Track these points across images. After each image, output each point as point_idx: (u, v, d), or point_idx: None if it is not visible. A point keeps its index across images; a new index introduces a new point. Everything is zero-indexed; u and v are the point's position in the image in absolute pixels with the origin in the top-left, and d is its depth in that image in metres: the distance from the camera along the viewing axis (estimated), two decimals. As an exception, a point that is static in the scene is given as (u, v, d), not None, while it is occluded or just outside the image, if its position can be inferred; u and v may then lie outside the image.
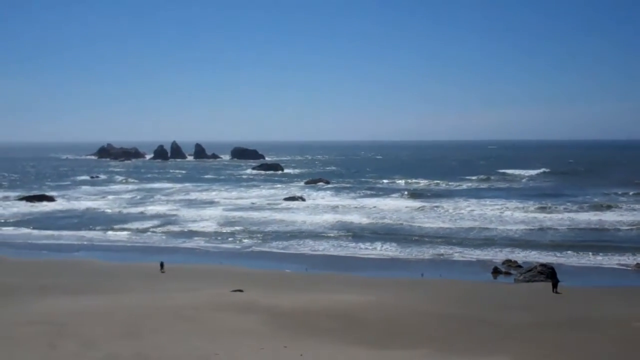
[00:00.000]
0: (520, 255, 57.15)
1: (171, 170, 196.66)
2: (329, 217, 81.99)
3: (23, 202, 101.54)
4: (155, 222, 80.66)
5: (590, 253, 57.23)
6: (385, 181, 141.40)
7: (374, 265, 55.43)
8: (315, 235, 69.56)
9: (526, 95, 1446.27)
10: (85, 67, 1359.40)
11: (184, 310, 33.85)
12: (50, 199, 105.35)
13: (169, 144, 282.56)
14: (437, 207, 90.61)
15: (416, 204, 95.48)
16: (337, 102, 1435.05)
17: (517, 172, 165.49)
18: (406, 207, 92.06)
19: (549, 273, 46.49)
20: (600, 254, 56.89)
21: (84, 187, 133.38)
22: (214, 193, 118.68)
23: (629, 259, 54.81)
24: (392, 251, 60.80)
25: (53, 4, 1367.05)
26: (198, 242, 67.36)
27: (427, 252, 59.53)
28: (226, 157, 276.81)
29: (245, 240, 67.72)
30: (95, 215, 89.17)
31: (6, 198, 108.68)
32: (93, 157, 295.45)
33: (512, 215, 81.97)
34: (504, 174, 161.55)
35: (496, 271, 51.49)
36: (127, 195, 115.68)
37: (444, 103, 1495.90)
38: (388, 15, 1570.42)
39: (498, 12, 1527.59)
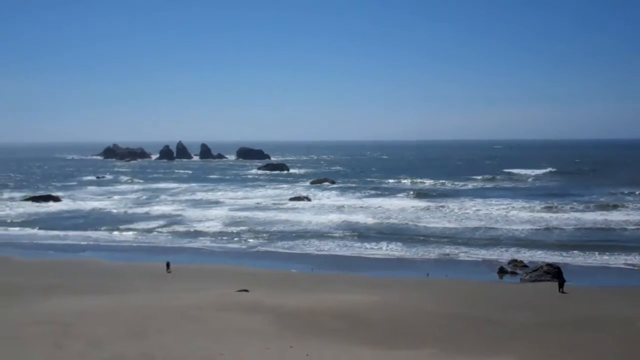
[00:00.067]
0: (526, 255, 57.04)
1: (177, 171, 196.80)
2: (335, 217, 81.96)
3: (29, 203, 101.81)
4: (161, 222, 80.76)
5: (596, 253, 57.09)
6: (390, 181, 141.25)
7: (379, 265, 55.38)
8: (321, 235, 69.54)
9: (530, 94, 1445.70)
10: (86, 67, 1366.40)
11: (190, 310, 33.88)
12: (56, 199, 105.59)
13: (174, 144, 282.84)
14: (442, 206, 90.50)
15: (422, 203, 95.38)
16: (338, 102, 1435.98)
17: (522, 171, 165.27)
18: (412, 207, 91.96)
19: (555, 273, 46.40)
20: (607, 253, 56.73)
21: (90, 188, 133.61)
22: (219, 193, 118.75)
23: (635, 259, 54.63)
24: (398, 251, 60.74)
25: (53, 4, 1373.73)
26: (204, 242, 67.41)
27: (432, 252, 59.46)
28: (232, 157, 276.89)
29: (251, 240, 67.73)
30: (101, 215, 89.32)
31: (12, 198, 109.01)
32: (99, 158, 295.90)
33: (518, 215, 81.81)
34: (509, 173, 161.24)
35: (502, 271, 51.38)
36: (133, 196, 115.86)
37: (446, 103, 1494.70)
38: (389, 15, 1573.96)
39: (500, 10, 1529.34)
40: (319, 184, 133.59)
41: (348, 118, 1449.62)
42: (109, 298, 38.25)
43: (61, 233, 73.56)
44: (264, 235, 70.39)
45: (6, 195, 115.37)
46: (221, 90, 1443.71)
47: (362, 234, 69.85)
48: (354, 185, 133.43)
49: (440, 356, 27.14)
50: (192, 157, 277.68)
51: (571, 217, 79.15)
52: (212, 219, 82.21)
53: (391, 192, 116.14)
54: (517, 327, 32.33)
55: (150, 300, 37.06)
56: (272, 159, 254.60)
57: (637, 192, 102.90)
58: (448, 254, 58.50)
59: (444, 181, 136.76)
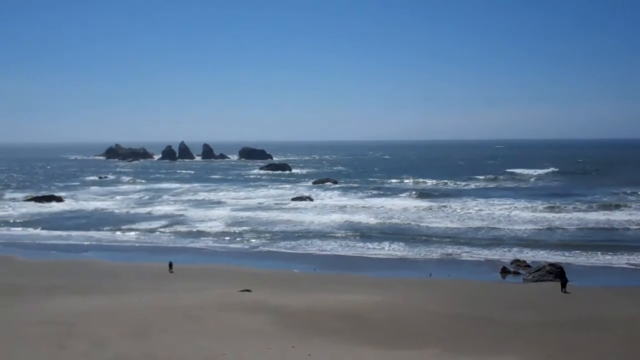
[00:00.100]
0: (529, 255, 56.99)
1: (179, 171, 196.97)
2: (337, 217, 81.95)
3: (32, 203, 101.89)
4: (163, 222, 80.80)
5: (599, 253, 57.02)
6: (393, 181, 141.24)
7: (382, 265, 55.36)
8: (323, 235, 69.54)
9: (530, 94, 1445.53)
10: (86, 67, 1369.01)
11: (192, 310, 33.88)
12: (59, 199, 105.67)
13: (177, 145, 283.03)
14: (445, 206, 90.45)
15: (424, 203, 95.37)
16: (338, 102, 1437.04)
17: (525, 171, 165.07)
18: (414, 206, 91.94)
19: (558, 273, 46.34)
20: (610, 253, 56.66)
21: (93, 188, 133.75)
22: (221, 193, 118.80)
23: (638, 259, 54.55)
24: (400, 251, 60.71)
25: (53, 4, 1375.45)
26: (206, 242, 67.44)
27: (435, 252, 59.42)
28: (234, 157, 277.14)
29: (253, 240, 67.75)
30: (104, 215, 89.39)
31: (15, 198, 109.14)
32: (101, 158, 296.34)
33: (520, 214, 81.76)
34: (512, 173, 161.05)
35: (505, 271, 51.35)
36: (135, 196, 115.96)
37: (446, 103, 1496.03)
38: (389, 15, 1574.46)
39: (500, 10, 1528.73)
40: (321, 184, 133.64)
41: (348, 118, 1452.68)
42: (112, 298, 38.27)
43: (64, 233, 73.61)
44: (267, 235, 70.40)
45: (9, 195, 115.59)
46: (222, 90, 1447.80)
47: (365, 234, 69.83)
48: (356, 185, 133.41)
49: (442, 356, 27.12)
50: (194, 157, 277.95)
51: (574, 217, 79.08)
52: (214, 219, 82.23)
53: (393, 192, 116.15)
54: (520, 327, 32.30)
55: (152, 301, 37.08)
56: (274, 159, 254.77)
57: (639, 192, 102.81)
58: (450, 254, 58.46)
59: (446, 181, 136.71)
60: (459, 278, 48.31)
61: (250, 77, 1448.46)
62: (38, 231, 75.80)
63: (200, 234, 72.50)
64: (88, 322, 30.82)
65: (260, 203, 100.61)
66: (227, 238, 69.48)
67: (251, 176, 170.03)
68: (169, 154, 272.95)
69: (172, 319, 32.02)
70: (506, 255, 57.10)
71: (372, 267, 54.59)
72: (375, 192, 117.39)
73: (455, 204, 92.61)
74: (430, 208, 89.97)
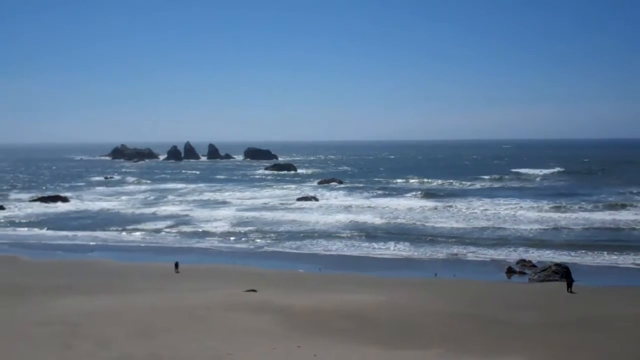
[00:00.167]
0: (535, 255, 56.90)
1: (184, 171, 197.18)
2: (342, 217, 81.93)
3: (37, 203, 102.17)
4: (169, 222, 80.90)
5: (605, 252, 56.88)
6: (398, 181, 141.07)
7: (387, 265, 55.32)
8: (329, 235, 69.53)
9: (530, 94, 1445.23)
10: (86, 67, 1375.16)
11: (198, 310, 33.92)
12: (65, 199, 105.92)
13: (182, 145, 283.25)
14: (450, 206, 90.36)
15: (429, 203, 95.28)
16: (338, 102, 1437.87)
17: (530, 171, 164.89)
18: (419, 206, 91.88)
19: (564, 273, 46.24)
20: (616, 253, 56.53)
21: (98, 188, 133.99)
22: (227, 193, 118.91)
23: (644, 259, 54.45)
24: (406, 251, 60.65)
25: (53, 4, 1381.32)
26: (211, 242, 67.50)
27: (440, 252, 59.36)
28: (239, 158, 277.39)
29: (259, 240, 67.79)
30: (109, 215, 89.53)
31: (20, 199, 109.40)
32: (107, 158, 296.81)
33: (526, 214, 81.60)
34: (517, 173, 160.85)
35: (510, 271, 51.27)
36: (141, 196, 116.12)
37: (447, 102, 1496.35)
38: (389, 14, 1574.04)
39: (501, 10, 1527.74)
40: (326, 184, 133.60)
41: (348, 118, 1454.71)
42: (117, 298, 38.32)
43: (69, 233, 73.77)
44: (272, 235, 70.42)
45: (15, 195, 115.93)
46: (222, 90, 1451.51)
47: (370, 234, 69.80)
48: (361, 185, 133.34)
49: (447, 356, 27.08)
50: (199, 158, 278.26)
51: (580, 216, 78.88)
52: (219, 219, 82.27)
53: (399, 192, 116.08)
54: (525, 327, 32.23)
55: (158, 301, 37.13)
56: (279, 159, 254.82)
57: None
58: (456, 254, 58.40)
59: (451, 181, 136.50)
60: (464, 278, 48.26)
61: (251, 77, 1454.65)
62: (44, 231, 75.97)
63: (205, 234, 72.56)
64: (94, 322, 30.88)
65: (265, 203, 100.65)
66: (232, 238, 69.52)
67: (256, 176, 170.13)
68: (174, 154, 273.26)
69: (177, 319, 32.07)
70: (512, 255, 57.01)
71: (377, 267, 54.56)
72: (380, 192, 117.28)
73: (460, 204, 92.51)
74: (435, 208, 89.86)
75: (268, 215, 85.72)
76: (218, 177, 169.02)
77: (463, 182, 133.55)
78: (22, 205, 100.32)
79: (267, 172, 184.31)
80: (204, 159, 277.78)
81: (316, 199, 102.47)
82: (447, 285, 44.98)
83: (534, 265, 52.16)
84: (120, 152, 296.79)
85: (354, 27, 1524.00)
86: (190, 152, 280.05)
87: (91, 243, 67.87)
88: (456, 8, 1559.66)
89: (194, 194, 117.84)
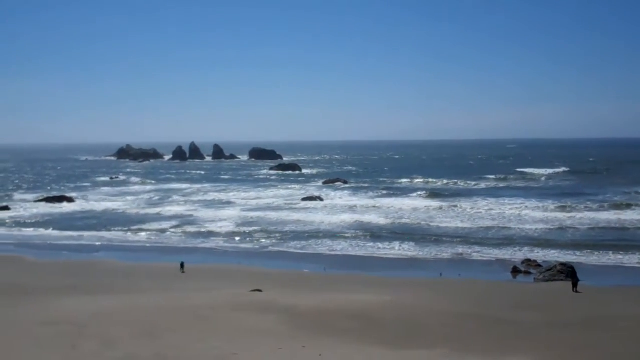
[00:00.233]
0: (540, 255, 56.80)
1: (189, 171, 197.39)
2: (347, 217, 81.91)
3: (43, 203, 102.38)
4: (174, 222, 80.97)
5: (610, 252, 56.80)
6: (403, 181, 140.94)
7: (392, 265, 55.28)
8: (334, 235, 69.52)
9: (531, 93, 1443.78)
10: (86, 67, 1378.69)
11: (203, 310, 33.96)
12: (70, 199, 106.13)
13: (187, 145, 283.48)
14: (455, 206, 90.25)
15: (434, 203, 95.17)
16: (338, 102, 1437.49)
17: (536, 171, 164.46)
18: (424, 206, 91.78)
19: (569, 272, 46.16)
20: (621, 253, 56.45)
21: (103, 188, 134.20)
22: (232, 193, 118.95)
23: (650, 258, 54.33)
24: (411, 251, 60.61)
25: (53, 4, 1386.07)
26: (216, 242, 67.55)
27: (445, 252, 59.31)
28: (244, 158, 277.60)
29: (264, 240, 67.81)
30: (115, 216, 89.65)
31: (26, 199, 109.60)
32: (112, 158, 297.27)
33: (531, 214, 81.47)
34: (522, 173, 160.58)
35: (516, 270, 51.20)
36: (146, 196, 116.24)
37: (449, 102, 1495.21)
38: (390, 14, 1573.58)
39: (501, 9, 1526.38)
40: (331, 184, 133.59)
41: (349, 118, 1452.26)
42: (123, 298, 38.37)
43: (75, 234, 73.90)
44: (277, 235, 70.44)
45: (20, 196, 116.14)
46: (224, 90, 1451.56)
47: (375, 234, 69.76)
48: (366, 185, 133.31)
49: (452, 356, 27.06)
50: (204, 158, 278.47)
51: (585, 216, 78.71)
52: (224, 219, 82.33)
53: (403, 191, 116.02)
54: (530, 326, 32.20)
55: (163, 301, 37.18)
56: (284, 159, 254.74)
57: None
58: (461, 254, 58.34)
59: (456, 181, 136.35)
60: (469, 278, 48.19)
61: (251, 76, 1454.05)
62: (49, 232, 76.11)
63: (210, 234, 72.62)
64: (99, 322, 30.93)
65: (270, 203, 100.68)
66: (237, 238, 69.57)
67: (261, 176, 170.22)
68: (179, 154, 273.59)
69: (182, 319, 32.10)
70: (517, 255, 56.93)
71: (382, 267, 54.53)
72: (385, 192, 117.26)
73: (465, 204, 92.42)
74: (440, 208, 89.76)
75: (273, 215, 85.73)
76: (223, 177, 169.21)
77: (468, 182, 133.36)
78: (28, 206, 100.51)
79: (272, 172, 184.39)
80: (209, 159, 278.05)
81: (321, 199, 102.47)
82: (452, 285, 44.95)
83: (539, 265, 52.05)
84: (125, 153, 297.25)
85: (356, 27, 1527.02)
86: (195, 152, 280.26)
87: (96, 243, 67.98)
88: (457, 7, 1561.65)
89: (199, 194, 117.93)
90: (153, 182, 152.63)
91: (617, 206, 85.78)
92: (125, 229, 76.42)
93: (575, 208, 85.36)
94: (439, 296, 39.97)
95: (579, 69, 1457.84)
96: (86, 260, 57.69)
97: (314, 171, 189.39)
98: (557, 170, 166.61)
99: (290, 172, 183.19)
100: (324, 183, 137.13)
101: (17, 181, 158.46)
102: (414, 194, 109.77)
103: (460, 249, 60.13)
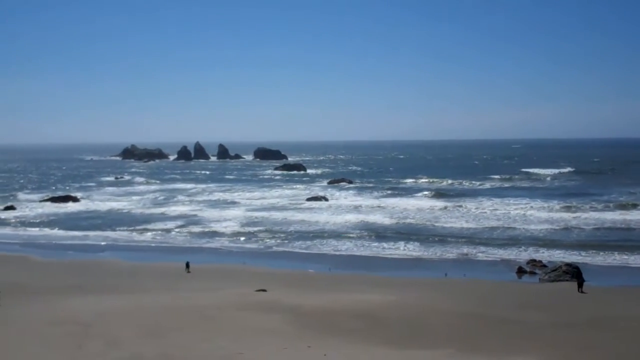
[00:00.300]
0: (545, 255, 56.75)
1: (194, 171, 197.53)
2: (352, 217, 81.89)
3: (48, 203, 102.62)
4: (179, 222, 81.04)
5: (616, 252, 56.70)
6: (407, 181, 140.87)
7: (397, 265, 55.27)
8: (338, 235, 69.52)
9: (532, 93, 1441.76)
10: (86, 67, 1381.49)
11: (209, 310, 34.00)
12: (75, 199, 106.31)
13: (192, 145, 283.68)
14: (460, 206, 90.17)
15: (439, 203, 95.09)
16: (338, 102, 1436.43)
17: (541, 171, 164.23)
18: (429, 206, 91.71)
19: (575, 273, 46.09)
20: (627, 253, 56.37)
21: (108, 188, 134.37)
22: (236, 193, 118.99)
23: (655, 259, 54.20)
24: (416, 251, 60.58)
25: (53, 4, 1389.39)
26: (221, 242, 67.60)
27: (450, 252, 59.28)
28: (249, 158, 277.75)
29: (268, 240, 67.82)
30: (120, 215, 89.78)
31: (31, 199, 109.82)
32: (117, 158, 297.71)
33: (536, 214, 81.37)
34: (527, 173, 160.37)
35: (521, 271, 51.15)
36: (151, 196, 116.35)
37: (449, 102, 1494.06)
38: (391, 14, 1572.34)
39: (502, 8, 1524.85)
40: (336, 184, 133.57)
41: (350, 118, 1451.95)
42: (128, 298, 38.44)
43: (80, 233, 74.06)
44: (282, 235, 70.46)
45: (26, 196, 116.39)
46: (224, 90, 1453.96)
47: (380, 234, 69.73)
48: (371, 185, 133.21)
49: (457, 356, 27.05)
50: (209, 158, 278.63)
51: (590, 216, 78.54)
52: (229, 219, 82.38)
53: (408, 191, 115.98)
54: (535, 327, 32.14)
55: (169, 300, 37.23)
56: (289, 159, 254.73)
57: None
58: (466, 254, 58.30)
59: (461, 181, 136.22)
60: (474, 278, 48.14)
61: (251, 76, 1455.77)
62: (54, 231, 76.29)
63: (215, 234, 72.67)
64: (104, 322, 30.99)
65: (275, 203, 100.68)
66: (242, 238, 69.61)
67: (266, 176, 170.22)
68: (184, 154, 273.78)
69: (188, 318, 32.15)
70: (522, 255, 56.88)
71: (387, 267, 54.53)
72: (390, 192, 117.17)
73: (470, 204, 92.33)
74: (445, 208, 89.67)
75: (278, 215, 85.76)
76: (228, 177, 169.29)
77: (473, 182, 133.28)
78: (33, 205, 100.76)
79: (276, 172, 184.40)
80: (213, 159, 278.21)
81: (326, 199, 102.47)
82: (457, 285, 44.90)
83: (544, 265, 51.99)
84: (130, 153, 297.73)
85: (355, 27, 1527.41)
86: (200, 152, 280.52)
87: (102, 243, 68.10)
88: (457, 7, 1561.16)
89: (203, 194, 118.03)
90: (158, 182, 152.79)
91: (623, 206, 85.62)
92: (131, 228, 76.54)
93: (580, 208, 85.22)
94: (443, 296, 39.94)
95: (579, 69, 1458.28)
96: (91, 260, 57.80)
97: (319, 171, 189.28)
98: (562, 170, 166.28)
99: (295, 172, 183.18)
100: (328, 183, 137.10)
101: (22, 181, 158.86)
102: (419, 194, 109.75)
103: (465, 249, 60.08)
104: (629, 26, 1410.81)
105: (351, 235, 69.36)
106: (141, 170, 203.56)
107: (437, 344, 28.92)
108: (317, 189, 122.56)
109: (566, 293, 41.52)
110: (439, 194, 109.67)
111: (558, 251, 58.52)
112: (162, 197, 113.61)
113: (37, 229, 78.40)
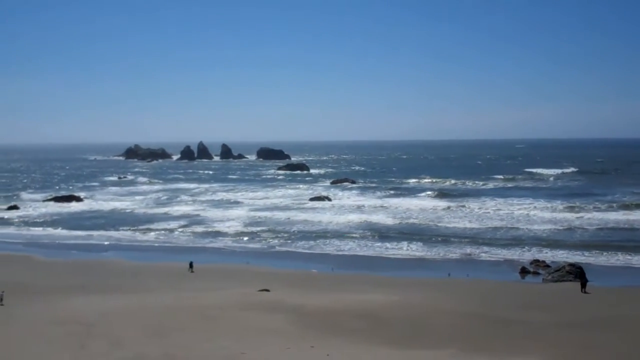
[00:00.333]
0: (549, 255, 56.65)
1: (198, 171, 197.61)
2: (355, 217, 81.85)
3: (52, 203, 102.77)
4: (182, 222, 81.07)
5: (619, 253, 56.61)
6: (410, 181, 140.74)
7: (400, 265, 55.22)
8: (341, 235, 69.49)
9: (532, 93, 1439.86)
10: (87, 67, 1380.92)
11: (211, 310, 34.01)
12: (78, 199, 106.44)
13: (195, 145, 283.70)
14: (463, 206, 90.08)
15: (442, 203, 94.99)
16: (339, 102, 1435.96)
17: (544, 171, 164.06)
18: (432, 206, 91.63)
19: (578, 273, 46.02)
20: (630, 253, 56.26)
21: (112, 188, 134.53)
22: (239, 193, 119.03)
23: (659, 259, 54.08)
24: (419, 251, 60.53)
25: (53, 4, 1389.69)
26: (225, 242, 67.62)
27: (454, 252, 59.21)
28: (252, 158, 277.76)
29: (271, 240, 67.82)
30: (123, 215, 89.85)
31: (35, 199, 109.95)
32: (121, 158, 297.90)
33: (539, 214, 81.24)
34: (530, 173, 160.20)
35: (524, 271, 51.08)
36: (154, 196, 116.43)
37: (449, 101, 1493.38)
38: (391, 14, 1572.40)
39: (502, 8, 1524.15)
40: (339, 184, 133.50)
41: (349, 118, 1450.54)
42: (131, 298, 38.46)
43: (83, 233, 74.13)
44: (284, 235, 70.46)
45: (29, 195, 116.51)
46: (224, 90, 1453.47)
47: (383, 234, 69.70)
48: (374, 185, 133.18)
49: (459, 356, 27.02)
50: (212, 158, 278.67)
51: (594, 217, 78.40)
52: (232, 219, 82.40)
53: (411, 192, 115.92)
54: (538, 327, 32.10)
55: (172, 300, 37.25)
56: (292, 159, 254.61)
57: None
58: (469, 254, 58.23)
59: (464, 181, 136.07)
60: (477, 278, 48.08)
61: (251, 76, 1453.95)
62: (58, 231, 76.37)
63: (218, 234, 72.68)
64: (108, 322, 31.02)
65: (278, 203, 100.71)
66: (245, 238, 69.62)
67: (269, 176, 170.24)
68: (187, 154, 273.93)
69: (191, 318, 32.16)
70: (525, 255, 56.81)
71: (390, 267, 54.48)
72: (393, 192, 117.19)
73: (473, 204, 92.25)
74: (448, 208, 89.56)
75: (281, 215, 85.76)
76: (231, 177, 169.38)
77: (476, 182, 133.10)
78: (37, 205, 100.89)
79: (279, 172, 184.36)
80: (217, 159, 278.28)
81: (329, 199, 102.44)
82: (460, 286, 44.85)
83: (547, 266, 51.92)
84: (133, 152, 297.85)
85: (355, 27, 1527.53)
86: (203, 152, 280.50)
87: (105, 243, 68.15)
88: (457, 7, 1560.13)
89: (206, 194, 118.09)
90: (161, 181, 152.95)
91: (626, 206, 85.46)
92: (134, 228, 76.60)
93: (583, 208, 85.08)
94: (446, 296, 39.90)
95: (579, 69, 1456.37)
96: (94, 259, 57.84)
97: (322, 171, 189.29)
98: (565, 170, 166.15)
99: (298, 172, 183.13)
100: (331, 183, 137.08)
101: (25, 180, 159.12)
102: (422, 194, 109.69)
103: (469, 249, 60.01)
104: (629, 26, 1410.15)
105: (354, 235, 69.33)
106: (144, 170, 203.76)
107: (440, 344, 28.89)
108: (320, 189, 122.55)
109: (569, 293, 41.47)
110: (442, 194, 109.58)
111: (561, 251, 58.43)
112: (165, 197, 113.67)
113: (41, 228, 78.49)
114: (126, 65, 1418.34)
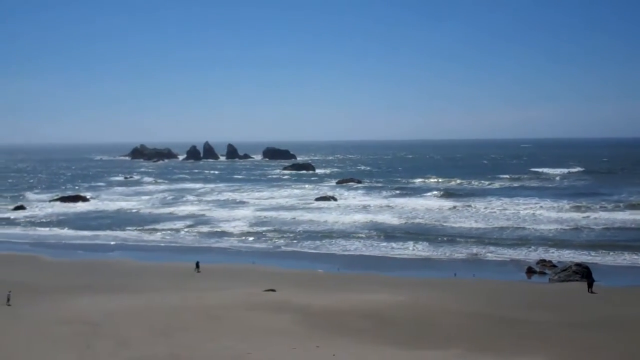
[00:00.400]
0: (555, 255, 56.54)
1: (203, 171, 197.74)
2: (361, 217, 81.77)
3: (58, 203, 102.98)
4: (188, 222, 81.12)
5: (626, 253, 56.43)
6: (416, 180, 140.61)
7: (406, 265, 55.15)
8: (347, 235, 69.44)
9: (533, 93, 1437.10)
10: (87, 66, 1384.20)
11: (218, 310, 34.03)
12: (85, 199, 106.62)
13: (201, 145, 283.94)
14: (469, 206, 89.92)
15: (448, 203, 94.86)
16: (339, 102, 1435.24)
17: (550, 171, 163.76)
18: (438, 206, 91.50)
19: (584, 273, 45.92)
20: (637, 253, 56.07)
21: (118, 188, 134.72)
22: (245, 193, 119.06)
23: (665, 259, 53.92)
24: (425, 251, 60.44)
25: (53, 4, 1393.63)
26: (230, 242, 67.63)
27: (460, 252, 59.11)
28: (258, 157, 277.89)
29: (277, 240, 67.81)
30: (129, 215, 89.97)
31: (41, 199, 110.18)
32: (126, 158, 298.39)
33: (546, 214, 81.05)
34: (536, 172, 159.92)
35: (530, 271, 50.97)
36: (160, 196, 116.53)
37: (449, 101, 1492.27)
38: (391, 14, 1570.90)
39: (502, 8, 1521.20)
40: (345, 184, 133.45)
41: (348, 118, 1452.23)
42: (137, 298, 38.51)
43: (89, 233, 74.24)
44: (290, 235, 70.45)
45: (35, 195, 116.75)
46: (224, 90, 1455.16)
47: (389, 233, 69.62)
48: (380, 184, 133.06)
49: (465, 356, 26.98)
50: (218, 158, 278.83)
51: (600, 216, 78.17)
52: (238, 219, 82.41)
53: (417, 191, 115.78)
54: (545, 327, 32.04)
55: (178, 300, 37.28)
56: (298, 158, 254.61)
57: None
58: (475, 254, 58.13)
59: (470, 180, 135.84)
60: (484, 278, 47.99)
61: (251, 76, 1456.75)
62: (64, 231, 76.50)
63: (224, 233, 72.71)
64: (114, 322, 31.06)
65: (283, 203, 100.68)
66: (251, 238, 69.64)
67: (275, 176, 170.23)
68: (193, 154, 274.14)
69: (197, 318, 32.19)
70: (532, 255, 56.68)
71: (396, 267, 54.43)
72: (399, 191, 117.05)
73: (479, 204, 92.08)
74: (454, 208, 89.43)
75: (286, 215, 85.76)
76: (237, 177, 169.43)
77: (482, 182, 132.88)
78: (43, 205, 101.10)
79: (285, 171, 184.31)
80: (222, 158, 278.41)
81: (335, 199, 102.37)
82: (466, 286, 44.78)
83: (554, 265, 51.79)
84: (139, 152, 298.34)
85: (356, 27, 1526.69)
86: (209, 152, 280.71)
87: (111, 243, 68.26)
88: (458, 6, 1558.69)
89: (212, 194, 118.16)
90: (167, 181, 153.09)
91: (633, 206, 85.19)
92: (140, 228, 76.69)
93: (590, 208, 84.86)
94: (453, 296, 39.85)
95: (580, 69, 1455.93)
96: (101, 259, 57.94)
97: (328, 171, 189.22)
98: (571, 170, 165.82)
99: (303, 171, 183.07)
100: (337, 183, 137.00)
101: (31, 181, 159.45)
102: (428, 194, 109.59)
103: (475, 249, 59.91)
104: (629, 26, 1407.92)
105: (360, 235, 69.29)
106: (150, 170, 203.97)
107: (446, 344, 28.86)
108: (325, 189, 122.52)
109: (576, 293, 41.37)
110: (448, 193, 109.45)
111: (568, 251, 58.29)
112: (171, 197, 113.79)
113: (47, 228, 78.64)
114: (126, 65, 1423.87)
